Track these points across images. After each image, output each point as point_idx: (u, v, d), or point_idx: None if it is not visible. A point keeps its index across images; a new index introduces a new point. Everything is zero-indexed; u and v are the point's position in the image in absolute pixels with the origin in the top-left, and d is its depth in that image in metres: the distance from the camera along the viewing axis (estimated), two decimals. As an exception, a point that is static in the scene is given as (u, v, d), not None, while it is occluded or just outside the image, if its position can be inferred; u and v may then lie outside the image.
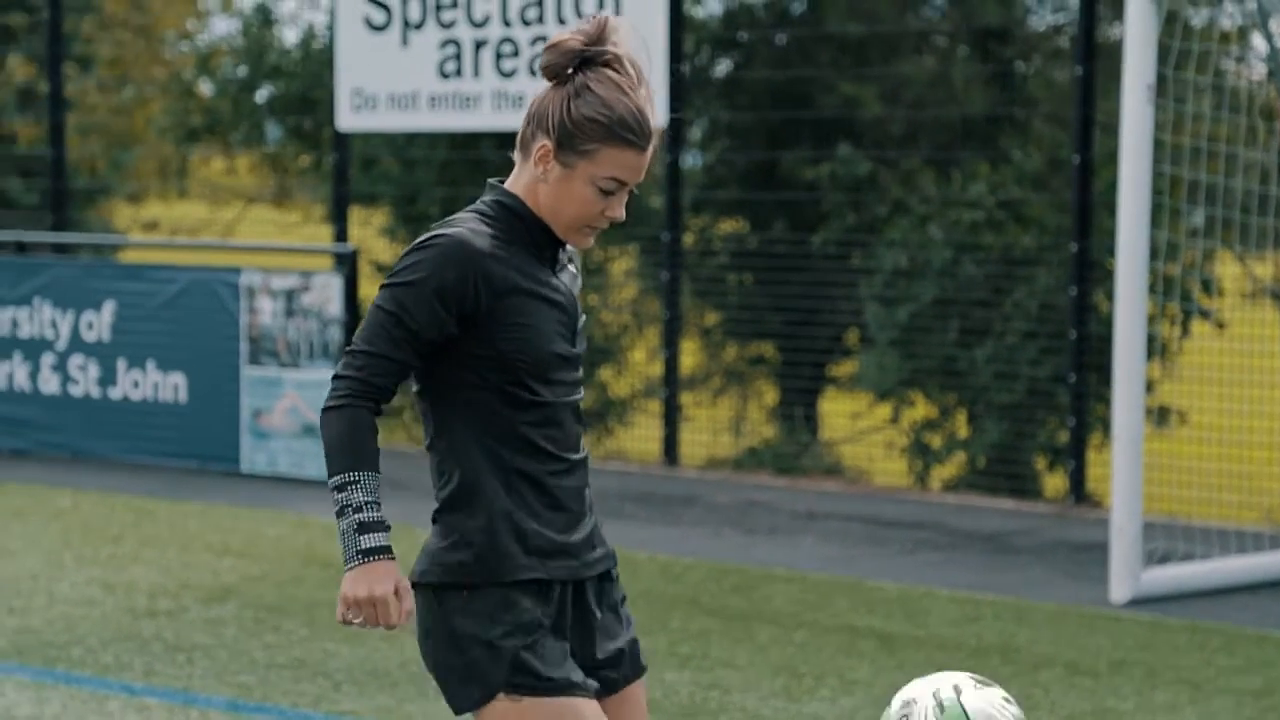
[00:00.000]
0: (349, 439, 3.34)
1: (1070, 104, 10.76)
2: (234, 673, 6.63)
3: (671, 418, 11.59)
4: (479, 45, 11.00)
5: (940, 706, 3.40)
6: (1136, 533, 7.97)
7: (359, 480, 3.34)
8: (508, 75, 10.92)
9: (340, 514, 3.34)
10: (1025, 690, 6.65)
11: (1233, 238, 9.82)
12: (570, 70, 3.37)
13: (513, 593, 3.41)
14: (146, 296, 10.91)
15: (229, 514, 9.62)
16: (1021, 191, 11.80)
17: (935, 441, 12.52)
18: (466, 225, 3.40)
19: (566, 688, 3.40)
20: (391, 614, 3.33)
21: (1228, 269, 12.69)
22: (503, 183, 3.48)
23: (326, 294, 10.46)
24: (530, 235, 3.42)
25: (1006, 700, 3.44)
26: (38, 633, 7.12)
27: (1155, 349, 11.67)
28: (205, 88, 14.41)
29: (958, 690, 3.43)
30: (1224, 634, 7.49)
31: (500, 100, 10.94)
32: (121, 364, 10.98)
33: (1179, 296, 11.14)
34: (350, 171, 12.25)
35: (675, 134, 11.01)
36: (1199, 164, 9.07)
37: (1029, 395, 11.62)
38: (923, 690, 3.44)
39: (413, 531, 9.27)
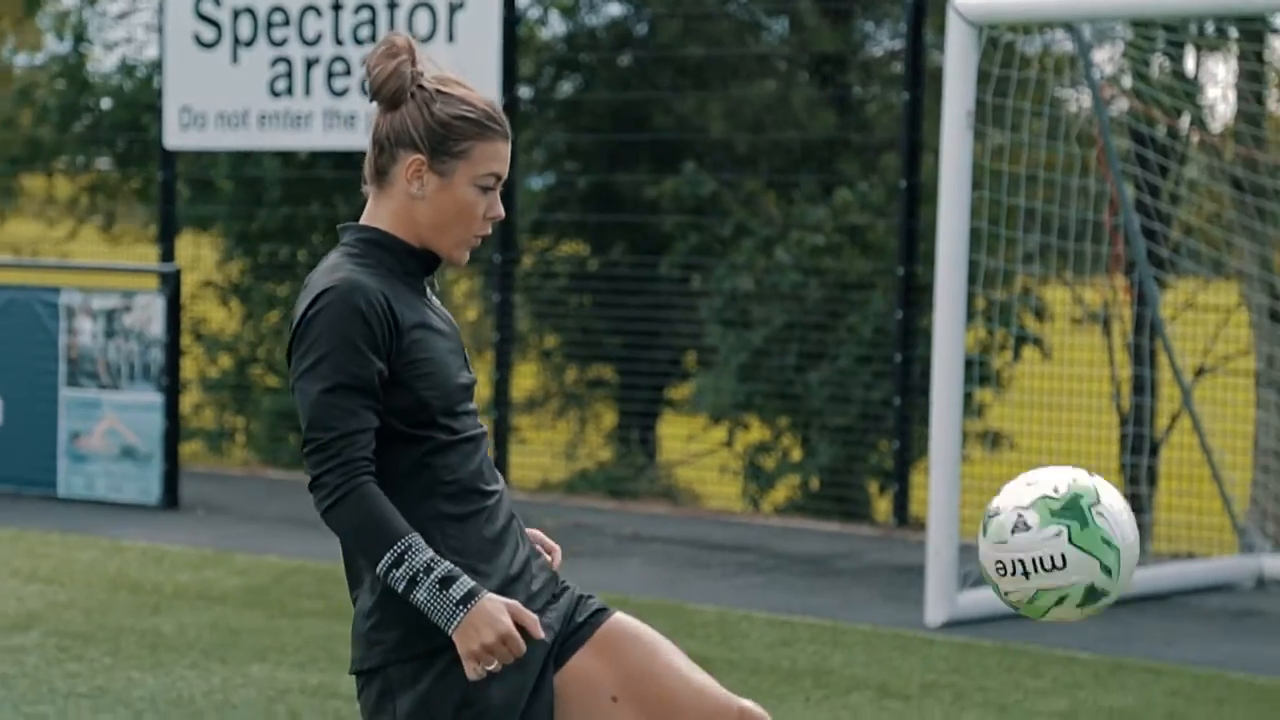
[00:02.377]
0: (373, 516, 3.19)
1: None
2: (32, 702, 6.48)
3: (501, 440, 11.52)
4: (310, 64, 10.90)
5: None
6: (953, 555, 8.01)
7: (410, 544, 3.18)
8: (339, 94, 10.83)
9: (412, 585, 3.17)
10: (836, 713, 6.65)
11: (1063, 264, 9.93)
12: (400, 89, 3.31)
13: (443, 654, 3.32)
14: (-38, 315, 10.70)
15: (41, 539, 9.43)
16: (862, 217, 11.88)
17: (769, 464, 12.56)
18: (345, 269, 3.26)
19: None
20: (520, 641, 3.20)
21: (1056, 295, 12.84)
22: (352, 225, 3.37)
23: (149, 314, 10.29)
24: (402, 266, 3.31)
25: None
26: None
27: (986, 374, 11.79)
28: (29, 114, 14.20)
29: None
30: (1033, 656, 7.54)
31: (332, 119, 10.84)
32: (-65, 385, 10.76)
33: (1009, 323, 11.25)
34: (178, 190, 12.08)
35: (510, 156, 10.94)
36: (1034, 192, 9.16)
37: (861, 419, 11.69)
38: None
39: (232, 558, 9.16)
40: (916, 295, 10.54)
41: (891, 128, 12.18)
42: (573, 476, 12.55)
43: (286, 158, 12.85)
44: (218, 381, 13.45)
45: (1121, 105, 10.63)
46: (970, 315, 10.26)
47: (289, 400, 12.94)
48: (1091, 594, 3.36)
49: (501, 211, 3.35)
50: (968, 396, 10.94)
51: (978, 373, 10.58)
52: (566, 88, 13.86)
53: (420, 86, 3.31)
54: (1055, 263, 10.15)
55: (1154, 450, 11.86)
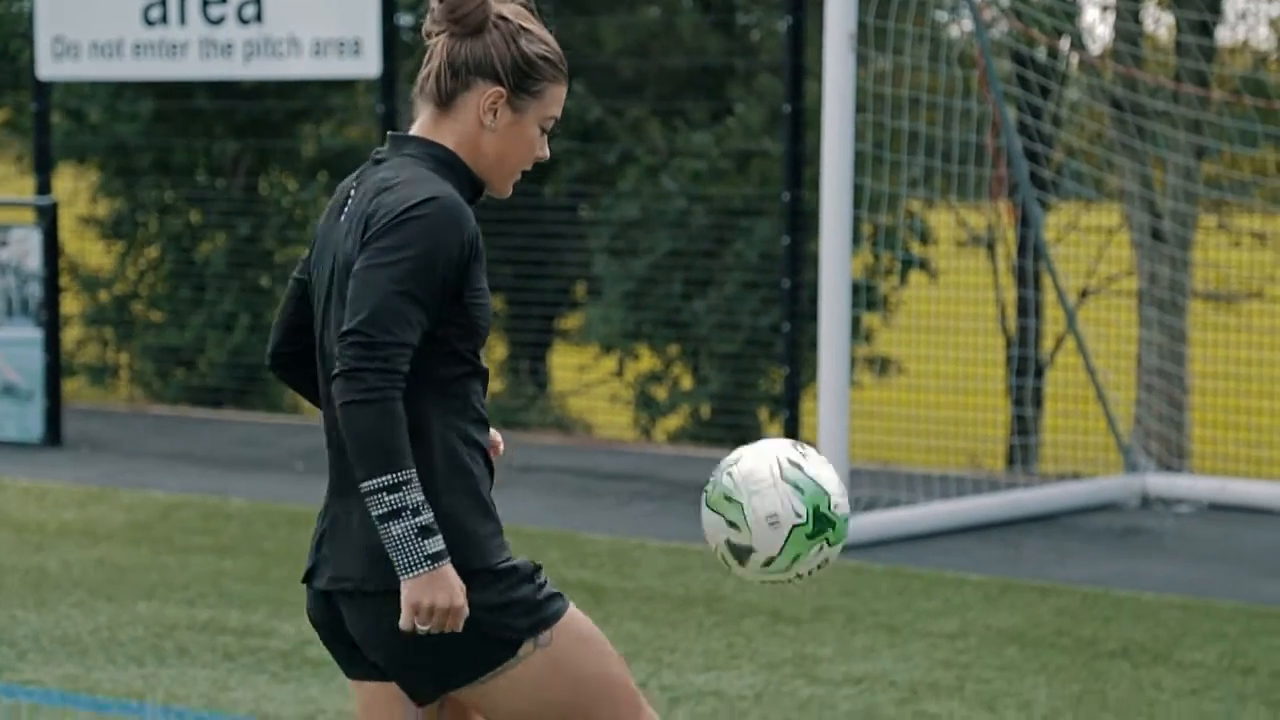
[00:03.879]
0: (392, 435, 3.10)
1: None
2: (-89, 643, 6.38)
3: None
4: (186, -8, 10.69)
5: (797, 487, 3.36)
6: (843, 480, 8.02)
7: (412, 477, 3.11)
8: (216, 23, 10.64)
9: (395, 515, 3.10)
10: (729, 639, 6.66)
11: (947, 187, 9.96)
12: (485, 18, 3.29)
13: (500, 563, 3.24)
14: None
15: (-80, 478, 9.28)
16: (747, 142, 11.86)
17: (659, 393, 12.56)
18: (439, 183, 3.23)
19: (567, 600, 3.30)
20: (461, 621, 3.15)
21: (941, 218, 12.89)
22: (413, 137, 3.30)
23: (25, 249, 10.11)
24: (462, 191, 3.28)
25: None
26: None
27: (873, 299, 11.82)
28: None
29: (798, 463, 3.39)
30: (924, 578, 7.59)
31: (209, 48, 10.66)
32: None
33: (895, 246, 11.27)
34: (51, 121, 11.85)
35: (389, 85, 10.82)
36: (917, 114, 9.16)
37: (750, 345, 11.70)
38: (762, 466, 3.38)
39: (117, 494, 9.04)
40: (803, 220, 10.54)
41: (776, 53, 12.15)
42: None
43: (163, 89, 12.64)
44: (99, 317, 13.26)
45: (1002, 27, 10.64)
46: (856, 240, 10.28)
47: (173, 336, 12.78)
48: (734, 549, 3.39)
49: (548, 153, 3.37)
50: (855, 322, 10.97)
51: (865, 298, 10.60)
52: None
53: (503, 18, 3.30)
54: (940, 186, 10.17)
55: (1040, 372, 11.97)
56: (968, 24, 10.21)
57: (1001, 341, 12.66)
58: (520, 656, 3.26)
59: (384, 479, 3.11)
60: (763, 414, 12.22)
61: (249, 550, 7.89)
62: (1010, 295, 12.70)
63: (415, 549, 3.12)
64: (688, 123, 12.19)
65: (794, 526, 3.36)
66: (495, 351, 13.40)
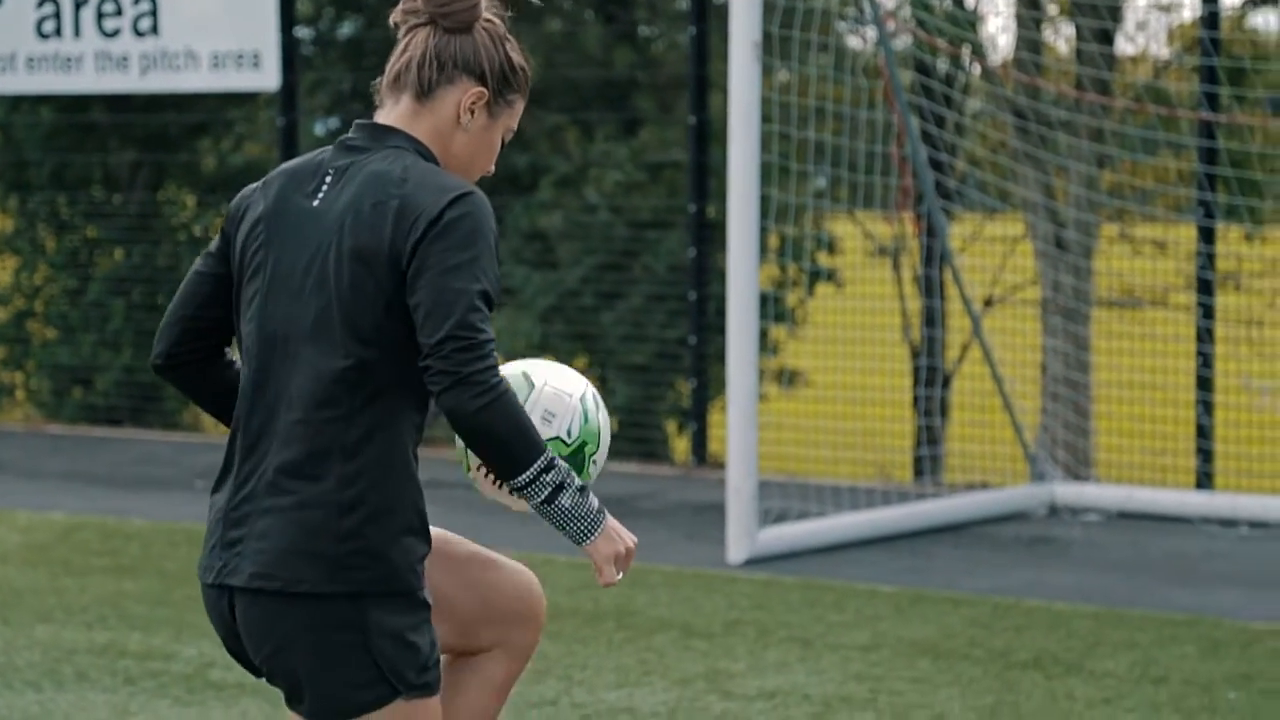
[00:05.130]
0: (526, 420, 3.12)
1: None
2: None
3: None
4: (79, 4, 10.53)
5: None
6: (752, 492, 7.98)
7: (554, 454, 3.15)
8: (110, 35, 10.48)
9: (560, 490, 3.14)
10: (640, 655, 6.59)
11: (853, 198, 9.94)
12: (476, 18, 3.27)
13: (420, 592, 3.22)
14: None
15: None
16: (659, 154, 11.80)
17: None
18: (449, 175, 3.22)
19: (439, 685, 3.28)
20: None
21: (847, 229, 12.89)
22: (391, 128, 3.24)
23: (-84, 266, 9.92)
24: None
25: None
26: None
27: (780, 311, 11.80)
28: None
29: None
30: (835, 590, 7.55)
31: (104, 61, 10.50)
32: None
33: (801, 258, 11.25)
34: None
35: (289, 98, 10.69)
36: (822, 125, 9.13)
37: (658, 358, 11.64)
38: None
39: (13, 515, 8.86)
40: (710, 232, 10.50)
41: (681, 65, 12.11)
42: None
43: (58, 102, 12.44)
44: (-7, 335, 13.03)
45: (905, 38, 10.65)
46: (763, 252, 10.25)
47: (69, 354, 12.58)
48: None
49: (493, 169, 3.36)
50: (763, 334, 10.94)
51: (772, 310, 10.57)
52: (347, 28, 13.60)
53: (490, 20, 3.30)
54: (846, 196, 10.16)
55: (945, 382, 11.97)
56: (871, 34, 10.19)
57: (907, 352, 12.67)
58: (389, 707, 3.20)
59: (539, 463, 3.11)
60: (671, 427, 12.17)
61: (150, 571, 7.75)
62: (915, 306, 12.72)
63: (588, 511, 3.18)
64: (604, 134, 12.15)
65: (556, 438, 3.36)
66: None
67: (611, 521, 3.22)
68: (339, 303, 3.16)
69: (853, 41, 12.04)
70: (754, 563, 7.98)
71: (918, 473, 10.52)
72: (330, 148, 3.30)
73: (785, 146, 9.03)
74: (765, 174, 8.69)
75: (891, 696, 6.13)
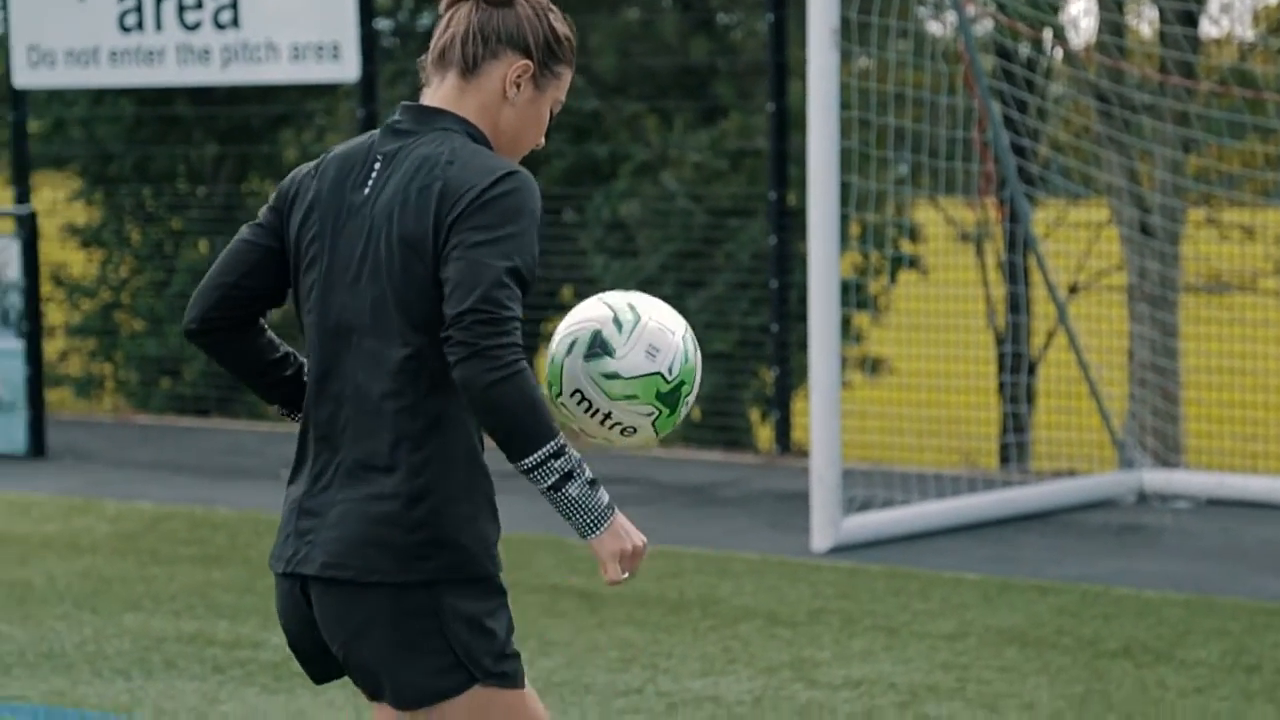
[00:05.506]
0: (541, 400, 3.05)
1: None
2: (-106, 661, 6.27)
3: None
4: (162, -2, 10.59)
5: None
6: (836, 480, 7.95)
7: (566, 439, 3.08)
8: (192, 28, 10.54)
9: (568, 479, 3.06)
10: (725, 644, 6.57)
11: (935, 184, 9.87)
12: None
13: (495, 577, 3.23)
14: None
15: (-98, 493, 9.17)
16: (740, 142, 11.76)
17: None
18: (497, 156, 3.19)
19: (524, 678, 3.25)
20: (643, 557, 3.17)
21: (930, 215, 12.81)
22: (441, 110, 3.22)
23: (4, 258, 10.00)
24: None
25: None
26: None
27: (864, 298, 11.74)
28: None
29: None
30: (920, 579, 7.50)
31: (185, 54, 10.56)
32: None
33: (884, 245, 11.19)
34: (29, 131, 11.75)
35: (369, 89, 10.72)
36: (903, 111, 9.07)
37: (741, 346, 11.61)
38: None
39: (102, 505, 8.93)
40: (790, 220, 10.45)
41: (759, 52, 12.06)
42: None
43: (142, 96, 12.53)
44: (83, 327, 13.14)
45: (986, 22, 10.56)
46: (845, 239, 10.20)
47: (156, 345, 12.67)
48: (596, 342, 3.26)
49: (544, 141, 3.31)
50: (845, 321, 10.89)
51: (855, 297, 10.52)
52: (427, 19, 13.63)
53: None
54: (927, 183, 10.09)
55: (1031, 368, 11.88)
56: (951, 18, 10.12)
57: (992, 338, 12.58)
58: (468, 694, 3.19)
59: (548, 447, 3.05)
60: (754, 415, 12.13)
61: (236, 560, 7.79)
62: (999, 292, 12.62)
63: (595, 505, 3.10)
64: (684, 120, 12.12)
65: (658, 374, 3.26)
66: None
67: (621, 519, 3.15)
68: (392, 291, 3.15)
69: (933, 26, 11.96)
70: (838, 551, 7.94)
71: (1004, 460, 10.44)
72: (379, 131, 3.29)
73: (866, 133, 8.97)
74: (846, 161, 8.63)
75: (979, 685, 6.08)
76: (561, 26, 3.28)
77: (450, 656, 3.16)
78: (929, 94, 9.20)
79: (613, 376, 3.25)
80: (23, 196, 11.30)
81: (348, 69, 10.36)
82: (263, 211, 3.35)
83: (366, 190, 3.20)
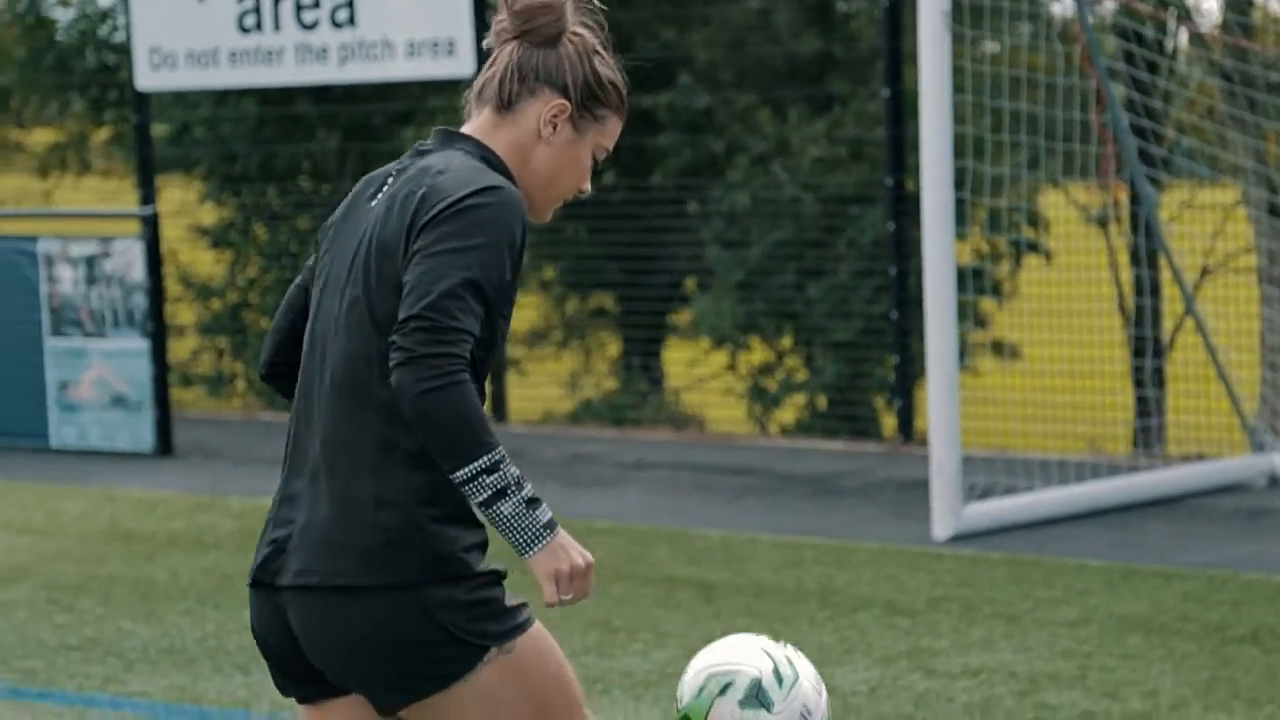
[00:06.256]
0: (476, 413, 2.98)
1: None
2: (20, 657, 6.36)
3: (497, 373, 11.37)
4: (280, -1, 10.69)
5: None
6: (956, 468, 7.86)
7: (503, 454, 3.00)
8: (309, 28, 10.62)
9: (501, 495, 2.99)
10: (842, 633, 6.52)
11: (1059, 167, 9.74)
12: (561, 31, 3.21)
13: (475, 567, 3.15)
14: (-59, 269, 10.55)
15: (32, 491, 9.30)
16: (857, 129, 11.68)
17: (772, 385, 12.41)
18: (493, 174, 3.13)
19: (531, 612, 3.20)
20: (592, 579, 3.09)
21: (1054, 199, 12.66)
22: (466, 135, 3.19)
23: (128, 259, 10.14)
24: None
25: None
26: None
27: (989, 284, 11.61)
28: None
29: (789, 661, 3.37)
30: (1043, 566, 7.41)
31: (304, 53, 10.64)
32: (-80, 340, 10.62)
33: (1007, 229, 11.07)
34: (153, 132, 11.90)
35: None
36: (1022, 94, 8.96)
37: (864, 334, 11.53)
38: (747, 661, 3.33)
39: (226, 502, 9.02)
40: (908, 206, 10.36)
41: (877, 39, 11.97)
42: (577, 407, 12.41)
43: (265, 95, 12.65)
44: (213, 326, 13.29)
45: (1110, 3, 10.41)
46: (968, 224, 10.09)
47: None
48: (755, 689, 3.33)
49: (590, 187, 3.26)
50: (971, 307, 10.78)
51: (981, 283, 10.42)
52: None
53: (578, 34, 3.23)
54: (1050, 166, 9.96)
55: (1160, 352, 11.70)
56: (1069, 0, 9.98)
57: (1120, 322, 12.40)
58: (485, 662, 3.14)
59: (480, 462, 2.98)
60: (879, 403, 12.04)
61: (357, 555, 7.82)
62: (1126, 275, 12.44)
63: (530, 524, 3.02)
64: (798, 112, 12.06)
65: None
66: (608, 349, 13.31)
67: (561, 539, 3.06)
68: (365, 292, 3.13)
69: (1055, 8, 11.81)
70: (960, 539, 7.86)
71: (1136, 445, 10.29)
72: (410, 151, 3.28)
73: (987, 118, 8.87)
74: (965, 146, 8.55)
75: (1101, 673, 5.99)
76: (606, 71, 3.24)
77: (452, 641, 3.11)
78: (1049, 76, 9.08)
79: None
80: (147, 198, 11.44)
81: (463, 65, 10.40)
82: (314, 256, 3.36)
83: (373, 204, 3.21)
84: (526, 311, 13.01)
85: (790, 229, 11.70)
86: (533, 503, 3.03)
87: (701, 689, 3.30)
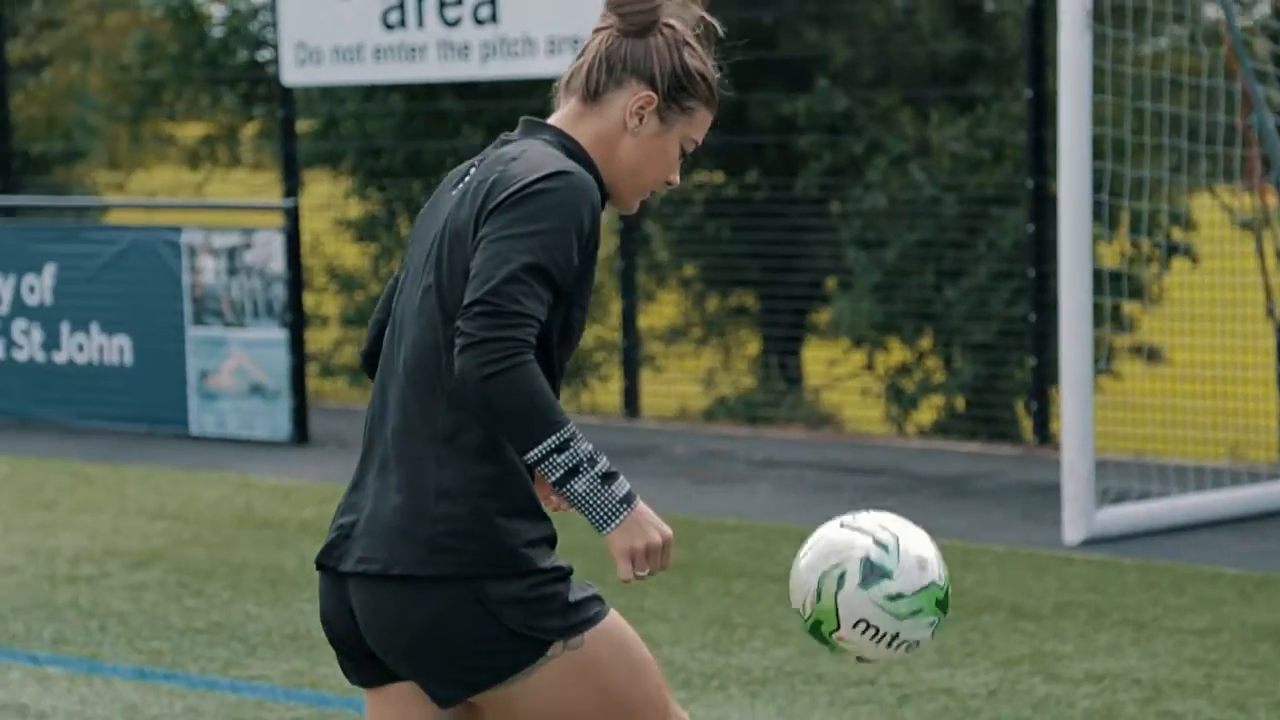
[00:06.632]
0: (542, 394, 2.95)
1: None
2: (146, 639, 6.46)
3: (631, 370, 11.39)
4: (424, -5, 10.77)
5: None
6: (1089, 471, 7.76)
7: (574, 432, 2.98)
8: (452, 24, 10.69)
9: (574, 474, 2.97)
10: (965, 635, 6.45)
11: (1208, 170, 9.59)
12: (654, 21, 3.20)
13: (536, 563, 3.13)
14: (87, 258, 10.73)
15: (170, 477, 9.44)
16: (1000, 130, 11.57)
17: (909, 386, 12.33)
18: (568, 161, 3.11)
19: (607, 604, 3.17)
20: (671, 553, 3.07)
21: (1203, 202, 12.45)
22: (550, 125, 3.19)
23: (269, 251, 10.26)
24: None
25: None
26: (-51, 603, 6.95)
27: (1136, 287, 11.45)
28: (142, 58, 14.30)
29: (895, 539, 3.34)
30: (1175, 573, 7.28)
31: (446, 50, 10.72)
32: (65, 327, 10.80)
33: (1153, 232, 10.91)
34: (299, 127, 12.05)
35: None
36: (1167, 97, 8.83)
37: (1003, 336, 11.42)
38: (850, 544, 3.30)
39: (336, 489, 9.08)
40: (1049, 208, 10.24)
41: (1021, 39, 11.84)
42: (712, 404, 12.39)
43: (411, 91, 12.76)
44: (356, 317, 13.43)
45: (1263, 6, 10.22)
46: (1114, 227, 9.95)
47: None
48: (868, 566, 3.31)
49: (678, 179, 3.24)
50: (1116, 310, 10.62)
51: (1125, 285, 10.28)
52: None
53: (670, 26, 3.21)
54: (1199, 169, 9.79)
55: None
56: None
57: (1268, 328, 12.18)
58: (548, 657, 3.10)
59: (550, 441, 2.96)
60: (1019, 405, 11.92)
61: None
62: (1277, 280, 12.21)
63: (606, 500, 2.99)
64: (940, 112, 11.96)
65: (933, 583, 3.32)
66: (748, 347, 13.28)
67: (639, 514, 3.02)
68: (436, 280, 3.12)
69: (1207, 10, 11.61)
70: (1091, 544, 7.75)
71: None
72: (495, 142, 3.27)
73: (1137, 120, 8.75)
74: (1112, 148, 8.44)
75: (1228, 682, 5.88)
76: (696, 63, 3.20)
77: (506, 636, 3.08)
78: (1198, 79, 8.94)
79: (896, 597, 3.27)
80: (290, 191, 11.58)
81: (602, 61, 10.40)
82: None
83: (454, 192, 3.19)
84: (666, 308, 13.01)
85: (930, 229, 11.61)
86: (608, 478, 3.00)
87: (820, 591, 3.26)
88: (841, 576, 3.26)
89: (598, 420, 11.37)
